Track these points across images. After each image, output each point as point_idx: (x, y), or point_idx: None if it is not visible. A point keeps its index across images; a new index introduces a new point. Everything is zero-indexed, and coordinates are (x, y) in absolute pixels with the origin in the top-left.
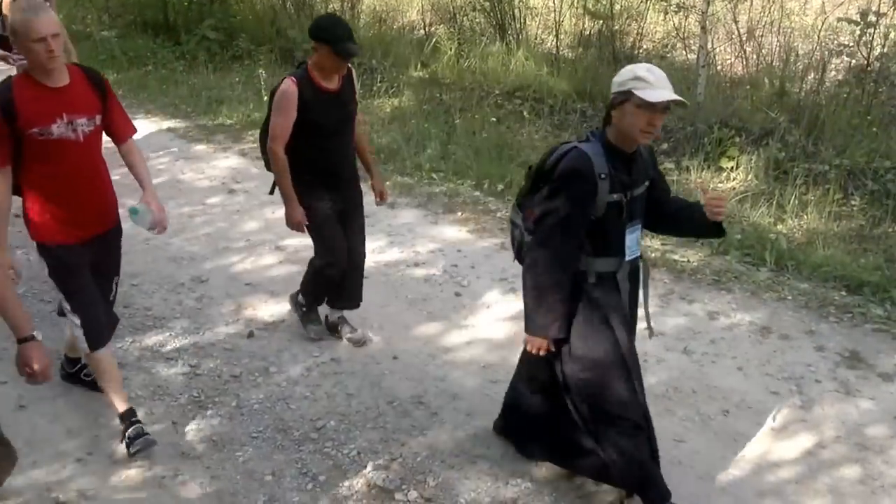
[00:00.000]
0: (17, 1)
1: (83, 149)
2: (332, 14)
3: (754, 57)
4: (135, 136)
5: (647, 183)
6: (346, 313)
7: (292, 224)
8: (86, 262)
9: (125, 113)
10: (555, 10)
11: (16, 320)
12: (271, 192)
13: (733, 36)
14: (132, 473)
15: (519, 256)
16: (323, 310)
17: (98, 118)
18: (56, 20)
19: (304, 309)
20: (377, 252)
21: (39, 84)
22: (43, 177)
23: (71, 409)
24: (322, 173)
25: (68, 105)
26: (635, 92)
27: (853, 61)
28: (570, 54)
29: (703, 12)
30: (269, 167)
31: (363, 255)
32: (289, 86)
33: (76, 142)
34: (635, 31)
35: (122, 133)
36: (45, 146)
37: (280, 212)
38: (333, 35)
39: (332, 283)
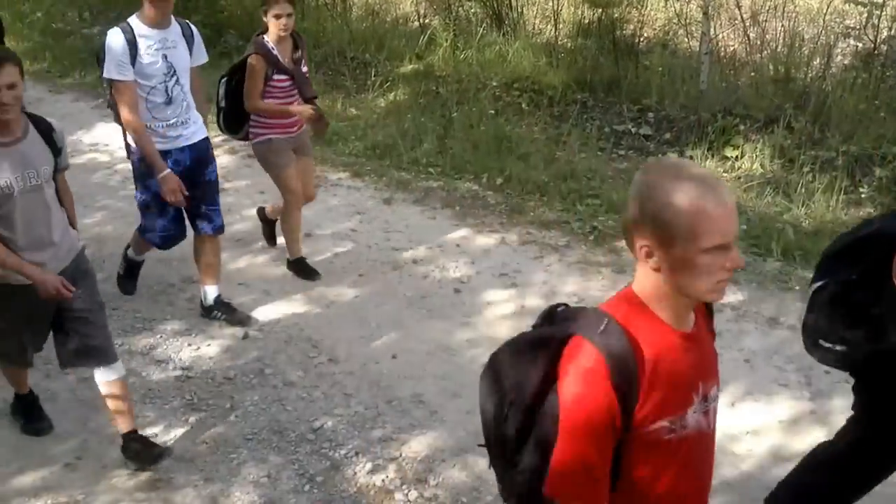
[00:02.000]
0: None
1: (711, 441)
2: None
3: (758, 42)
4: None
5: None
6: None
7: None
8: None
9: None
10: None
11: None
12: None
13: (736, 21)
14: (123, 478)
15: None
16: None
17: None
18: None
19: None
20: (374, 250)
21: (671, 330)
22: (639, 496)
23: (57, 414)
24: None
25: (705, 368)
26: None
27: (860, 45)
28: (569, 44)
29: None
30: None
31: None
32: None
33: (706, 433)
34: (636, 19)
35: None
36: (664, 448)
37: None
38: None
39: None
